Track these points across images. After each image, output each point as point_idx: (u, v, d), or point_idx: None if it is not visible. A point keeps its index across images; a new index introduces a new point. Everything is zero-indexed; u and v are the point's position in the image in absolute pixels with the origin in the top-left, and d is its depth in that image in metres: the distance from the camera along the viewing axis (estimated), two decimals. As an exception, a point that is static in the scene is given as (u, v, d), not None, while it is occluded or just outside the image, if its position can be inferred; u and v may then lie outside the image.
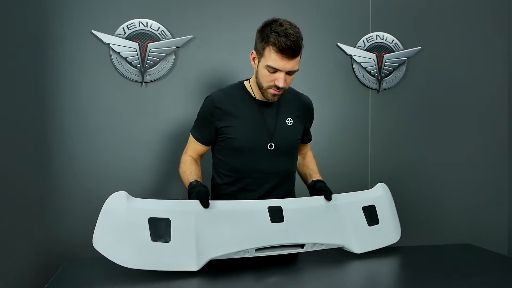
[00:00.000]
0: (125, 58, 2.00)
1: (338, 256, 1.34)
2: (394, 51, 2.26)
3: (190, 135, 1.54)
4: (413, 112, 2.32)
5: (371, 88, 2.27)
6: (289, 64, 1.31)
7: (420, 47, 2.28)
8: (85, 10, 1.96)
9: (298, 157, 1.66)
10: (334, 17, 2.22)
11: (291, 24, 1.32)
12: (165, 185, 2.08)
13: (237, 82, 1.54)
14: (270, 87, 1.37)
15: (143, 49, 2.02)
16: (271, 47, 1.30)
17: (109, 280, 1.13)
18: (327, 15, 2.21)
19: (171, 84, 2.07)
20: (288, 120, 1.49)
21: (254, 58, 1.40)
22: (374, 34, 2.25)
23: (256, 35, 1.37)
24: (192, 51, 2.08)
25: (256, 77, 1.41)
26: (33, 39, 1.92)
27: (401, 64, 2.28)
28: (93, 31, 1.96)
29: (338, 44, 2.22)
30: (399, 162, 2.31)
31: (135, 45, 2.01)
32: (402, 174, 2.31)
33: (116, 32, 1.99)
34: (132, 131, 2.04)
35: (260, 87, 1.41)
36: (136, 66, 2.02)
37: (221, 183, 1.51)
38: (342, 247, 1.34)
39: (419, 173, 2.33)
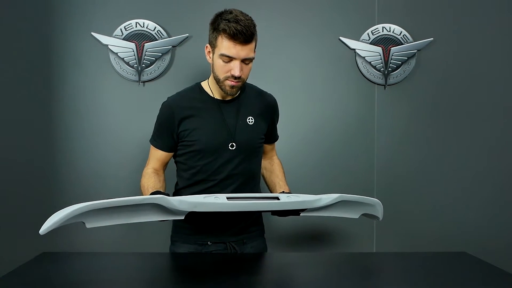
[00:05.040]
0: (122, 59, 2.05)
1: (331, 260, 1.35)
2: (402, 44, 2.11)
3: (151, 145, 1.51)
4: (424, 109, 2.14)
5: (377, 84, 2.13)
6: (243, 51, 1.29)
7: (431, 39, 2.11)
8: (85, 13, 2.04)
9: (265, 162, 1.63)
10: (336, 10, 2.12)
11: (242, 12, 1.32)
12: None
13: (194, 83, 1.52)
14: (227, 78, 1.34)
15: (140, 49, 2.06)
16: (222, 34, 1.29)
17: (77, 274, 1.19)
18: (328, 8, 2.11)
19: (167, 83, 2.09)
20: (249, 119, 1.46)
21: (208, 52, 1.38)
22: (380, 26, 2.11)
23: (209, 28, 1.36)
24: (188, 49, 2.09)
25: (213, 71, 1.39)
26: (37, 41, 2.03)
27: (410, 57, 2.11)
28: (92, 33, 2.03)
29: (341, 38, 2.11)
30: (408, 164, 2.14)
31: (132, 45, 2.06)
32: (411, 177, 2.14)
33: (114, 33, 2.05)
34: (130, 129, 2.09)
35: (217, 80, 1.38)
36: (133, 66, 2.06)
37: (182, 186, 1.50)
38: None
39: (430, 176, 2.14)
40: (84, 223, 0.99)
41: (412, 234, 2.13)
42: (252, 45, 1.32)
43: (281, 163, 1.64)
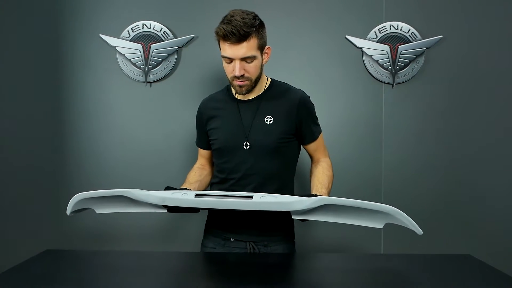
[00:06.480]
0: (129, 60, 2.08)
1: (334, 263, 1.32)
2: (410, 42, 2.07)
3: None
4: (433, 108, 2.09)
5: (384, 83, 2.10)
6: (239, 51, 1.30)
7: (441, 36, 2.06)
8: (93, 15, 2.08)
9: (312, 165, 1.56)
10: (343, 8, 2.09)
11: (242, 12, 1.32)
12: (168, 182, 2.11)
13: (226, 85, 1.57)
14: (233, 79, 1.37)
15: (146, 50, 2.09)
16: (218, 37, 1.32)
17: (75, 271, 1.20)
18: (334, 6, 2.09)
19: (174, 84, 2.11)
20: (267, 118, 1.43)
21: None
22: (387, 24, 2.07)
23: None
24: (194, 50, 2.10)
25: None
26: (46, 43, 2.09)
27: (418, 55, 2.07)
28: (100, 34, 2.07)
29: (347, 36, 2.09)
30: (416, 164, 2.10)
31: (139, 46, 2.09)
32: (418, 177, 2.10)
33: (122, 35, 2.08)
34: (137, 129, 2.12)
35: (228, 81, 1.42)
36: (139, 67, 2.09)
37: (213, 182, 1.55)
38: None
39: (437, 176, 2.09)
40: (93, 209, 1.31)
41: (420, 235, 2.08)
42: (250, 43, 1.30)
43: (328, 165, 1.51)
